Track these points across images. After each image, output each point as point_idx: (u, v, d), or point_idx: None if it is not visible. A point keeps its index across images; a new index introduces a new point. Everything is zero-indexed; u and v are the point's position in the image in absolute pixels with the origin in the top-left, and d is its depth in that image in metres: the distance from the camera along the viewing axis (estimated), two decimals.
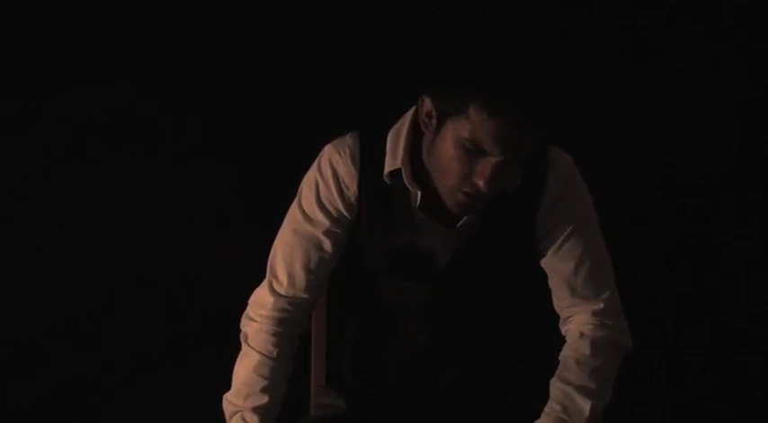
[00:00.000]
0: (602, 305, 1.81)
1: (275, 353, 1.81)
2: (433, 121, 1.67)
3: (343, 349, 2.03)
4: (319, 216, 1.81)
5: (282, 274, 1.83)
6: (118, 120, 2.55)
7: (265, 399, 1.79)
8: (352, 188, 1.79)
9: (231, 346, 1.87)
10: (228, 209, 2.60)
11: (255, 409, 1.79)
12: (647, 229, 2.72)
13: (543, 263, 1.83)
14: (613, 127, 2.64)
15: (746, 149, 2.71)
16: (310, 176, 1.82)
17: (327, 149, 1.82)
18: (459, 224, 1.78)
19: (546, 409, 1.75)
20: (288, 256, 1.82)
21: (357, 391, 1.98)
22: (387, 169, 1.76)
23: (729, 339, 2.77)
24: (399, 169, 1.75)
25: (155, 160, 2.59)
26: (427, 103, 1.68)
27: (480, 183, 1.63)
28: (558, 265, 1.81)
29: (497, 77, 1.59)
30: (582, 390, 1.74)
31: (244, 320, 1.86)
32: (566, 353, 1.80)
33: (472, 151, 1.61)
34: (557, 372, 1.78)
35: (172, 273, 2.63)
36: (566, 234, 1.80)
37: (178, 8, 2.53)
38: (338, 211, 1.80)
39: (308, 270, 1.82)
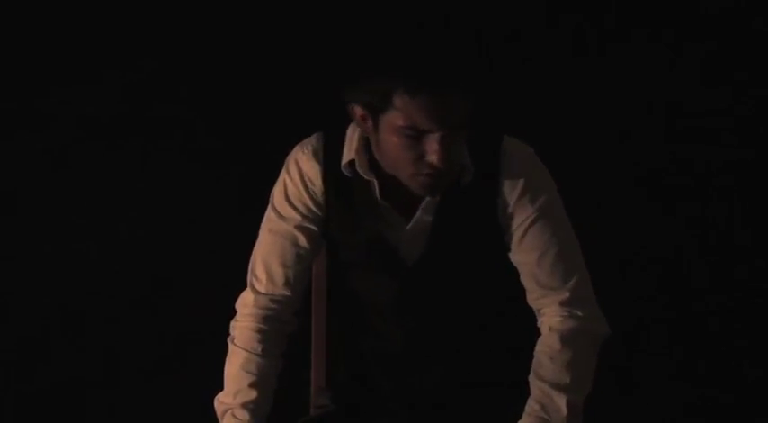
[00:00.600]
0: (567, 294, 1.79)
1: (260, 349, 1.84)
2: (369, 123, 1.72)
3: (336, 348, 2.06)
4: (291, 213, 1.85)
5: (261, 273, 1.88)
6: (118, 120, 2.59)
7: (254, 394, 1.82)
8: (317, 184, 1.84)
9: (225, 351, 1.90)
10: (228, 209, 2.61)
11: (244, 405, 1.82)
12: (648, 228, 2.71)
13: (511, 256, 1.83)
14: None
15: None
16: (280, 177, 1.88)
17: (294, 150, 1.88)
18: (417, 213, 1.80)
19: (527, 408, 1.75)
20: (265, 255, 1.88)
21: (345, 391, 2.00)
22: (343, 161, 1.80)
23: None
24: (354, 160, 1.79)
25: (155, 160, 2.62)
26: (357, 109, 1.73)
27: (434, 160, 1.66)
28: (521, 258, 1.81)
29: (407, 61, 1.64)
30: (556, 386, 1.74)
31: (231, 324, 1.90)
32: (538, 348, 1.79)
33: (413, 136, 1.66)
34: (532, 368, 1.78)
35: (172, 273, 2.65)
36: (526, 224, 1.80)
37: (179, 8, 2.56)
38: (307, 207, 1.85)
39: (284, 266, 1.86)
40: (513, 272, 1.84)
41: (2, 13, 2.53)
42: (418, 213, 1.80)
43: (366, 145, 1.80)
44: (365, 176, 1.79)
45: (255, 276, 1.88)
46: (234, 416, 1.82)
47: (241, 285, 1.92)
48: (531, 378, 1.77)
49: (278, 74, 2.59)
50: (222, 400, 1.85)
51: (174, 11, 2.56)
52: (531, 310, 1.85)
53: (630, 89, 2.62)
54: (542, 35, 2.59)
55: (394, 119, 1.66)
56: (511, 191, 1.79)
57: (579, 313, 1.79)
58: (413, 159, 1.68)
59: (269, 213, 1.89)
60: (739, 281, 2.72)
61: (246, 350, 1.84)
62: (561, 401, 1.73)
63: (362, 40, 2.37)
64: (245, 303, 1.89)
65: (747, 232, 2.71)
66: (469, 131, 1.73)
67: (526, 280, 1.82)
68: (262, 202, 1.94)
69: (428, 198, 1.79)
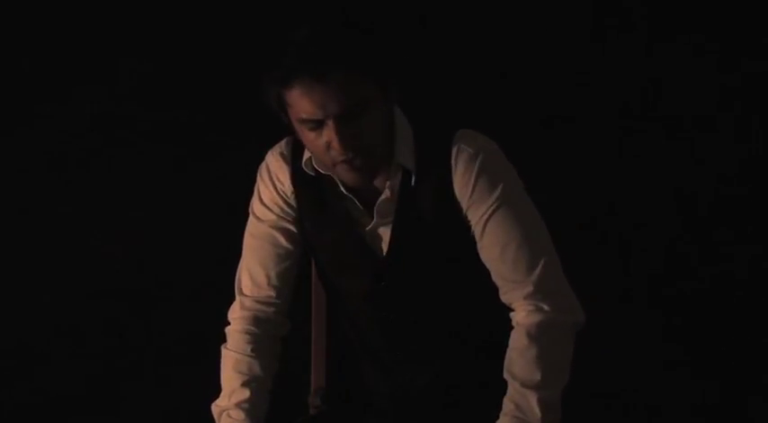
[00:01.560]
0: (531, 288, 1.75)
1: (249, 350, 1.87)
2: (290, 124, 1.76)
3: (333, 348, 2.08)
4: (266, 214, 1.89)
5: (245, 275, 1.91)
6: (118, 120, 2.61)
7: (247, 393, 1.84)
8: (286, 183, 1.88)
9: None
10: (228, 210, 2.63)
11: (239, 405, 1.84)
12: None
13: (480, 256, 1.80)
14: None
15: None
16: (256, 182, 1.93)
17: (267, 154, 1.92)
18: (375, 208, 1.81)
19: (503, 407, 1.73)
20: (248, 258, 1.92)
21: (338, 390, 2.02)
22: (304, 159, 1.84)
23: None
24: (311, 158, 1.82)
25: (154, 160, 2.64)
26: (281, 115, 1.76)
27: (335, 147, 1.70)
28: (486, 254, 1.79)
29: (279, 58, 1.69)
30: (527, 383, 1.71)
31: (225, 331, 1.93)
32: (509, 345, 1.76)
33: (311, 125, 1.70)
34: (504, 366, 1.75)
35: (172, 272, 2.67)
36: (485, 218, 1.77)
37: (180, 8, 2.58)
38: (279, 207, 1.89)
39: (266, 267, 1.89)
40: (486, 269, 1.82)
41: (2, 13, 2.56)
42: (375, 214, 1.82)
43: None
44: (324, 172, 1.81)
45: (240, 281, 1.92)
46: (229, 416, 1.84)
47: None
48: (505, 375, 1.74)
49: None
50: (218, 404, 1.88)
51: (174, 11, 2.58)
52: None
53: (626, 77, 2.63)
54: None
55: (292, 114, 1.72)
56: (464, 185, 1.77)
57: (545, 306, 1.75)
58: (322, 149, 1.72)
59: (249, 220, 1.93)
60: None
61: (237, 352, 1.88)
62: (533, 400, 1.70)
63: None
64: (234, 309, 1.93)
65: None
66: (420, 129, 1.77)
67: (494, 277, 1.79)
68: None
69: (383, 196, 1.80)
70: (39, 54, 2.58)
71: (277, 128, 2.55)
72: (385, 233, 1.83)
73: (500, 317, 1.82)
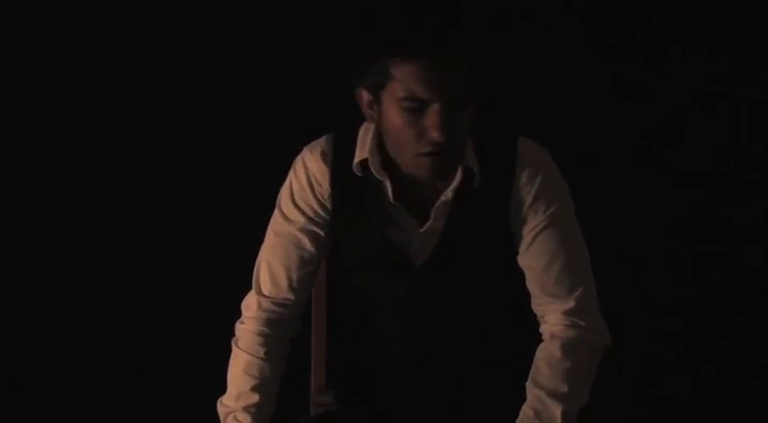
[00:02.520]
0: (573, 304, 1.77)
1: (262, 352, 1.84)
2: (375, 107, 1.71)
3: (339, 349, 2.05)
4: (296, 215, 1.84)
5: (265, 276, 1.87)
6: (117, 120, 2.59)
7: (256, 397, 1.82)
8: (324, 185, 1.82)
9: (230, 347, 1.90)
10: (228, 210, 2.62)
11: (247, 408, 1.82)
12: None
13: (519, 260, 1.81)
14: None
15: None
16: (287, 179, 1.87)
17: (302, 152, 1.86)
18: (430, 216, 1.79)
19: (520, 414, 1.75)
20: (270, 258, 1.86)
21: (349, 390, 1.99)
22: (355, 160, 1.79)
23: None
24: (367, 160, 1.77)
25: (154, 160, 2.62)
26: (363, 94, 1.72)
27: (434, 134, 1.65)
28: (530, 262, 1.80)
29: (401, 28, 1.64)
30: (553, 394, 1.73)
31: (236, 326, 1.89)
32: (538, 355, 1.78)
33: (413, 109, 1.65)
34: (530, 374, 1.77)
35: (171, 272, 2.65)
36: (537, 230, 1.78)
37: (180, 7, 2.56)
38: (313, 209, 1.83)
39: (288, 269, 1.85)
40: (519, 276, 1.83)
41: (1, 13, 2.53)
42: (431, 217, 1.79)
43: (380, 145, 1.78)
44: (378, 176, 1.77)
45: (260, 279, 1.88)
46: (236, 419, 1.82)
47: (245, 286, 1.91)
48: (528, 384, 1.76)
49: (278, 75, 2.59)
50: (225, 403, 1.85)
51: (175, 10, 2.56)
52: (535, 315, 1.84)
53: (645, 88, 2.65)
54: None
55: (393, 91, 1.66)
56: (524, 196, 1.78)
57: (582, 323, 1.78)
58: (414, 136, 1.67)
59: (275, 215, 1.87)
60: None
61: (249, 354, 1.84)
62: (557, 410, 1.72)
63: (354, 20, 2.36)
64: (249, 306, 1.88)
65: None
66: (481, 133, 1.74)
67: (532, 285, 1.81)
68: (267, 203, 1.93)
69: (442, 199, 1.77)
70: (38, 54, 2.55)
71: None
72: (432, 237, 1.81)
73: (523, 326, 1.83)
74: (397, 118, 1.67)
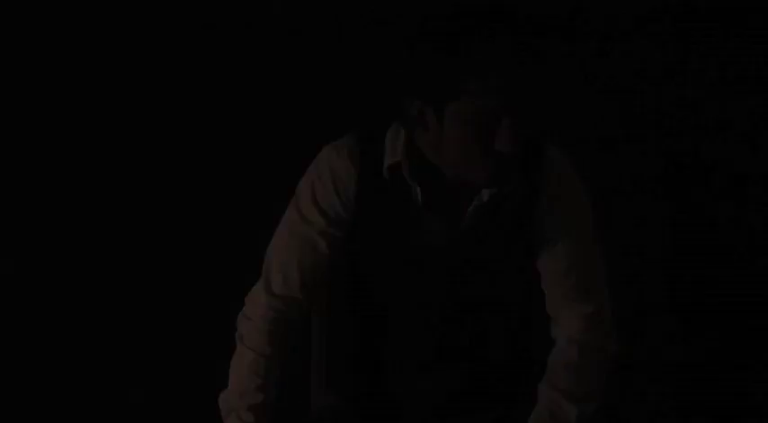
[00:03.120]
0: (591, 309, 1.78)
1: (269, 351, 1.81)
2: (430, 118, 1.65)
3: (343, 350, 2.03)
4: (316, 216, 1.79)
5: (277, 275, 1.82)
6: (119, 120, 2.59)
7: (260, 397, 1.80)
8: (350, 186, 1.77)
9: (230, 345, 1.88)
10: (228, 209, 2.62)
11: (251, 408, 1.80)
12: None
13: (537, 263, 1.81)
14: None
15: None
16: (308, 177, 1.81)
17: (325, 149, 1.80)
18: (464, 221, 1.76)
19: (533, 414, 1.75)
20: (283, 257, 1.82)
21: (357, 394, 1.98)
22: (387, 163, 1.74)
23: None
24: (399, 164, 1.73)
25: (154, 160, 2.63)
26: (417, 105, 1.65)
27: (507, 148, 1.61)
28: (550, 266, 1.79)
29: (478, 44, 1.59)
30: (569, 395, 1.73)
31: (239, 319, 1.86)
32: (553, 357, 1.78)
33: (482, 123, 1.61)
34: (545, 376, 1.77)
35: (171, 273, 2.65)
36: (562, 234, 1.77)
37: (179, 7, 2.57)
38: (335, 210, 1.78)
39: (302, 271, 1.81)
40: (533, 279, 1.83)
41: (1, 13, 2.53)
42: (465, 222, 1.76)
43: (412, 149, 1.74)
44: (409, 181, 1.74)
45: (271, 277, 1.83)
46: (240, 418, 1.80)
47: (243, 283, 1.89)
48: (542, 385, 1.76)
49: (278, 75, 2.60)
50: (228, 400, 1.83)
51: (175, 10, 2.57)
52: (546, 319, 1.84)
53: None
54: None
55: (464, 106, 1.60)
56: (551, 203, 1.77)
57: (600, 328, 1.79)
58: (482, 150, 1.63)
59: (291, 212, 1.82)
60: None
61: (255, 352, 1.81)
62: (572, 412, 1.73)
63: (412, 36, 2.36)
64: (257, 303, 1.84)
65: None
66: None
67: (549, 288, 1.80)
68: (268, 201, 1.92)
69: (475, 203, 1.74)
70: (39, 54, 2.56)
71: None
72: (453, 245, 1.78)
73: (535, 329, 1.86)
74: (461, 134, 1.62)
